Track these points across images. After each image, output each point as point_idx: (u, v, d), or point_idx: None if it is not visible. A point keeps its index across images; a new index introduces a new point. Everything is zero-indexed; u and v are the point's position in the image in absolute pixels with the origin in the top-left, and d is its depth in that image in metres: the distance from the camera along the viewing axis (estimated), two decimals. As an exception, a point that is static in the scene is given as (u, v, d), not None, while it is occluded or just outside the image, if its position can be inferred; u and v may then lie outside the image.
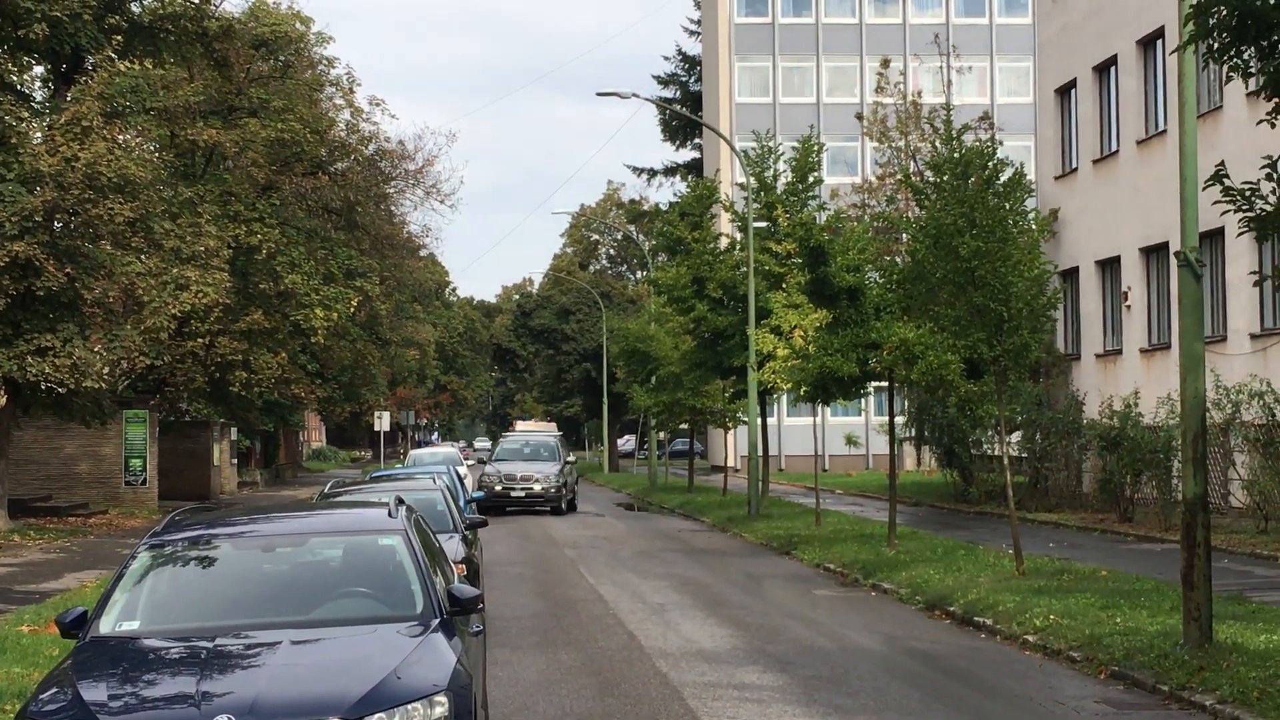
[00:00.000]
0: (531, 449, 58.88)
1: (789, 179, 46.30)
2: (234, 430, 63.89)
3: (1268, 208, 13.92)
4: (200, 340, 44.85)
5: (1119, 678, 16.75)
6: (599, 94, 55.79)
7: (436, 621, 10.47)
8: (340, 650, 9.93)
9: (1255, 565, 26.84)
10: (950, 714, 14.93)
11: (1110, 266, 43.01)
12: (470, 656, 10.69)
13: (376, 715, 9.05)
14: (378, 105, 56.42)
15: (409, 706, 9.19)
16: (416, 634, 10.21)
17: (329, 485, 25.05)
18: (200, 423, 57.76)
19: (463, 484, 30.53)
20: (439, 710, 9.28)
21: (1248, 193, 13.93)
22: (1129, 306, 41.35)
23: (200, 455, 57.30)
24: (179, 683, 9.45)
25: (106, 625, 10.56)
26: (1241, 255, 33.85)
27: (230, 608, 10.77)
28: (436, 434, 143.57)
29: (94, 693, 9.29)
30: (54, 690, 9.50)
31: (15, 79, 37.96)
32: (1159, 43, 39.49)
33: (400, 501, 12.56)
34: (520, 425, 77.33)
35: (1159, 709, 15.19)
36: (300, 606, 10.81)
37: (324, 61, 57.24)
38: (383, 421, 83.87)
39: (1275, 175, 13.92)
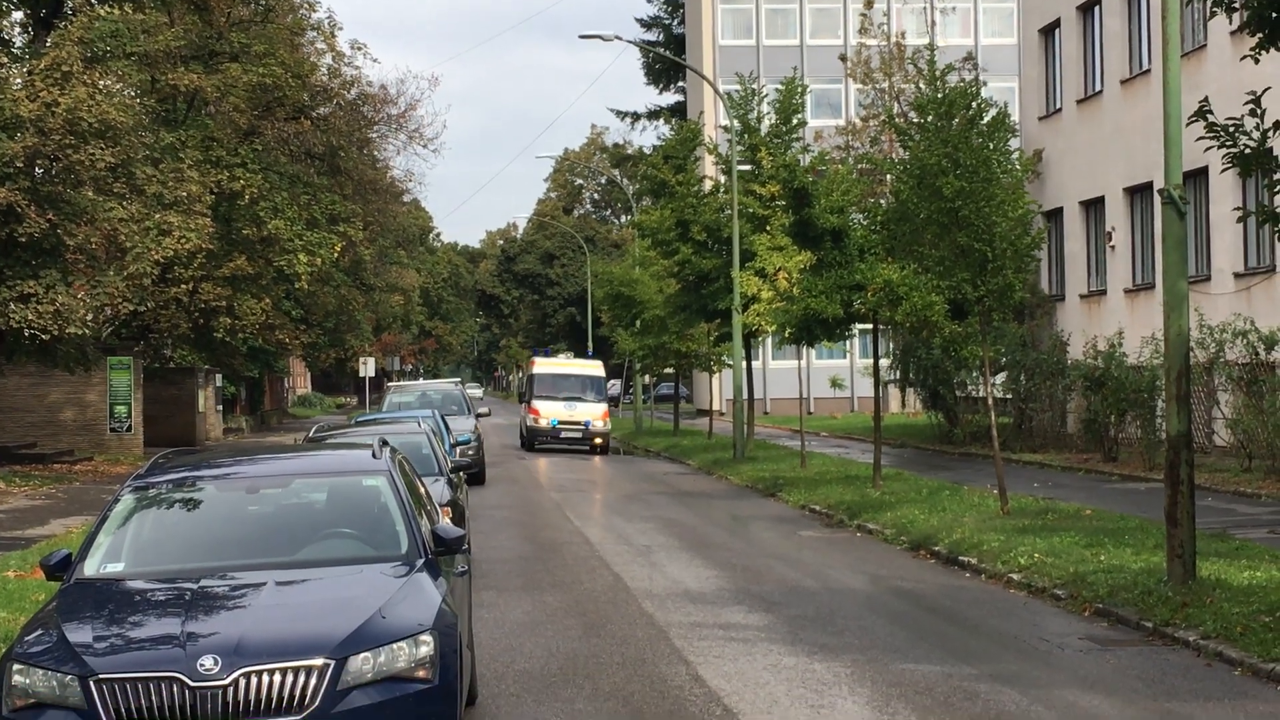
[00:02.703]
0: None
1: (773, 121, 46.16)
2: (219, 377, 63.68)
3: (1251, 144, 13.92)
4: (184, 286, 44.61)
5: (1103, 615, 16.81)
6: (581, 36, 55.35)
7: (421, 562, 10.47)
8: (325, 591, 9.94)
9: (1238, 503, 26.94)
10: (935, 652, 14.96)
11: (1094, 207, 43.01)
12: (455, 596, 10.68)
13: (361, 654, 9.06)
14: (360, 49, 56.02)
15: (394, 646, 9.19)
16: (401, 574, 10.22)
17: (313, 430, 25.02)
18: (185, 369, 57.60)
19: (448, 428, 30.47)
20: (424, 649, 9.28)
21: (1231, 129, 13.93)
22: (1113, 247, 41.37)
23: (185, 402, 57.07)
24: (164, 624, 9.44)
25: (91, 568, 10.56)
26: (1225, 194, 33.85)
27: (215, 549, 10.77)
28: (422, 379, 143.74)
29: (79, 634, 9.28)
30: (39, 632, 9.50)
31: (-7, 24, 37.73)
32: (1143, -19, 39.41)
33: (384, 443, 12.55)
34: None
35: (1143, 645, 15.24)
36: (285, 548, 10.80)
37: (305, 5, 56.97)
38: (368, 367, 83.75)
39: (1258, 111, 13.92)
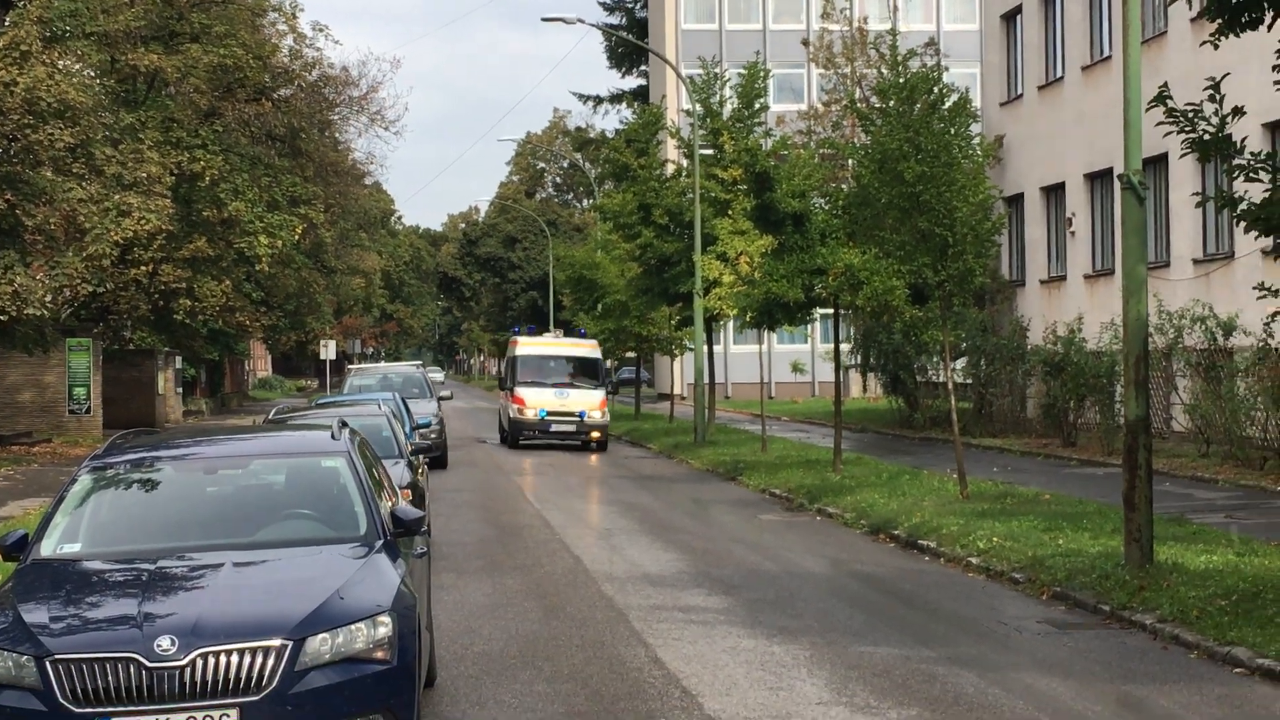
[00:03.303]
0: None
1: (735, 106, 46.21)
2: (179, 359, 63.45)
3: (1210, 129, 13.96)
4: (143, 268, 44.50)
5: (1061, 598, 16.89)
6: (544, 19, 55.07)
7: (380, 543, 10.44)
8: (283, 572, 9.90)
9: (1196, 488, 27.08)
10: (894, 635, 15.01)
11: (1055, 193, 43.17)
12: (414, 578, 10.67)
13: (319, 635, 9.02)
14: (321, 31, 56.13)
15: (352, 627, 9.16)
16: (360, 555, 10.19)
17: (273, 412, 24.94)
18: (144, 351, 57.34)
19: (409, 411, 30.42)
20: (382, 630, 9.26)
21: (1191, 115, 13.97)
22: (1073, 233, 41.53)
23: (145, 384, 56.85)
24: (121, 604, 9.40)
25: (48, 548, 10.49)
26: (1185, 181, 33.97)
27: (173, 530, 10.72)
28: (383, 362, 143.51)
29: (35, 614, 9.23)
30: (-1, 611, 9.45)
31: (-50, 4, 37.56)
32: (1104, -32, 39.54)
33: (344, 425, 12.53)
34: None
35: (1100, 628, 15.32)
36: (243, 529, 10.77)
37: (267, -15, 56.78)
38: (328, 350, 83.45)
39: (1217, 97, 13.97)
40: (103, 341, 50.72)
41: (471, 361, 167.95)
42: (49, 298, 36.22)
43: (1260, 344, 29.32)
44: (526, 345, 48.08)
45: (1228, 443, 30.92)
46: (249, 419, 54.06)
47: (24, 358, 43.99)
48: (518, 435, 44.82)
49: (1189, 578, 16.37)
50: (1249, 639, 13.56)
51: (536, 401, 44.07)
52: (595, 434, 44.14)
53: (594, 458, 42.32)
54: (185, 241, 45.51)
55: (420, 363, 77.36)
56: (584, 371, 46.16)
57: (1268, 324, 28.15)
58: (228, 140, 49.20)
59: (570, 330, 59.79)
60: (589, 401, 44.38)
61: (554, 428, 43.97)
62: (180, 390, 66.02)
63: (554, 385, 44.71)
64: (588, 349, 48.29)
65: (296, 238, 52.30)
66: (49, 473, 34.27)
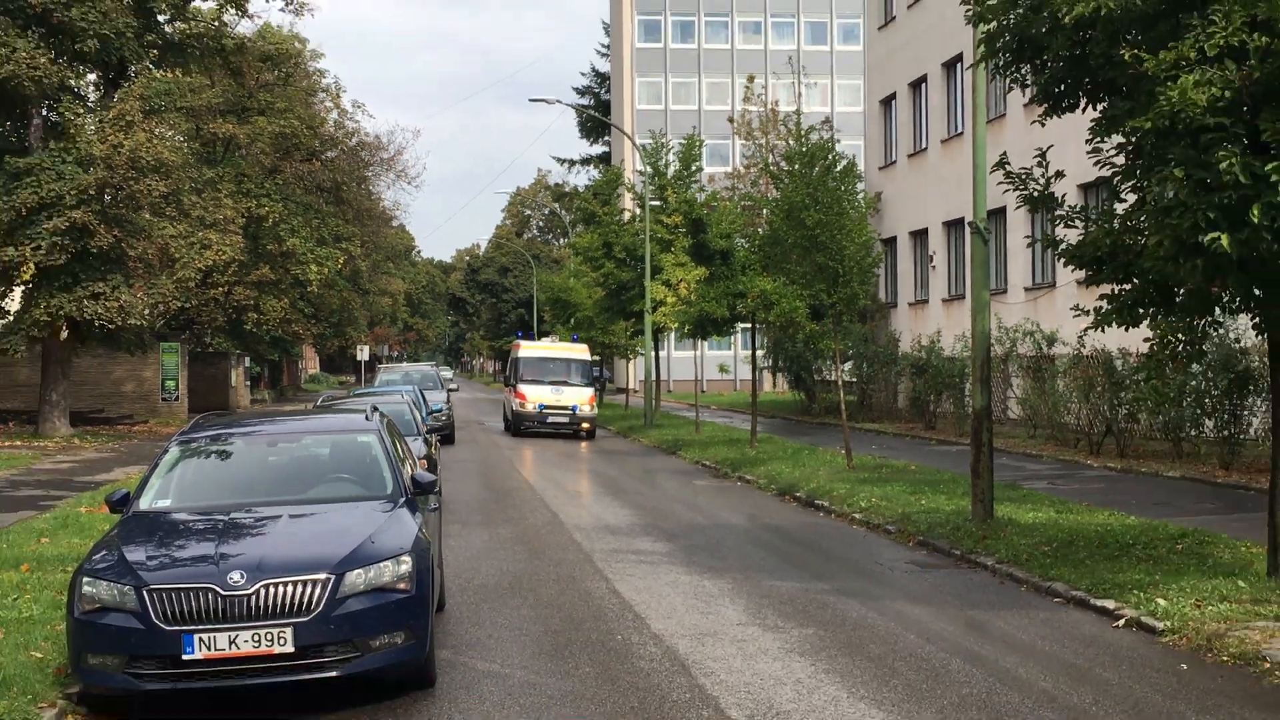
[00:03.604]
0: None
1: (677, 168, 46.20)
2: (247, 359, 63.00)
3: (1038, 188, 14.01)
4: (220, 289, 44.36)
5: (924, 545, 16.94)
6: (531, 100, 55.36)
7: (403, 500, 10.40)
8: (327, 522, 9.85)
9: (1026, 462, 27.20)
10: (796, 572, 15.02)
11: (920, 236, 43.31)
12: (429, 527, 10.65)
13: (356, 571, 9.00)
14: (359, 107, 56.71)
15: (381, 564, 9.14)
16: (387, 510, 10.15)
17: (321, 399, 24.78)
18: (220, 353, 56.97)
19: (425, 399, 30.28)
20: (404, 568, 9.24)
21: (1023, 176, 14.02)
22: (934, 267, 41.66)
23: (220, 379, 56.46)
24: (202, 547, 9.37)
25: (145, 503, 10.44)
26: (1018, 227, 34.15)
27: (241, 489, 10.65)
28: (405, 363, 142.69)
29: (135, 554, 9.19)
30: (104, 552, 9.38)
31: (73, 83, 37.29)
32: (958, 65, 39.66)
33: (375, 409, 12.49)
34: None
35: (953, 568, 15.36)
36: (296, 489, 10.71)
37: (316, 73, 56.55)
38: (363, 353, 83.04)
39: (1044, 163, 14.03)
40: (188, 345, 50.52)
41: (473, 363, 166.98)
42: (147, 311, 36.01)
43: (1074, 352, 29.51)
44: (528, 348, 45.30)
45: (1050, 427, 31.08)
46: (302, 405, 53.80)
47: (127, 357, 43.72)
48: (520, 425, 41.65)
49: (1020, 529, 16.46)
50: (1065, 576, 13.64)
51: (535, 396, 41.19)
52: (585, 425, 41.21)
53: (567, 438, 42.16)
54: (253, 269, 45.41)
55: (434, 363, 76.98)
56: (577, 371, 42.84)
57: (1080, 337, 28.42)
58: (286, 191, 48.90)
59: (563, 336, 57.02)
60: (580, 397, 41.44)
61: (550, 419, 41.04)
62: (248, 384, 65.55)
63: (551, 383, 41.75)
64: (580, 352, 44.96)
65: (339, 266, 52.20)
66: (146, 446, 34.01)
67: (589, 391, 42.18)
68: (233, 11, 40.54)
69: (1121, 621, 11.97)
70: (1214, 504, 19.72)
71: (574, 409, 41.10)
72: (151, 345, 43.49)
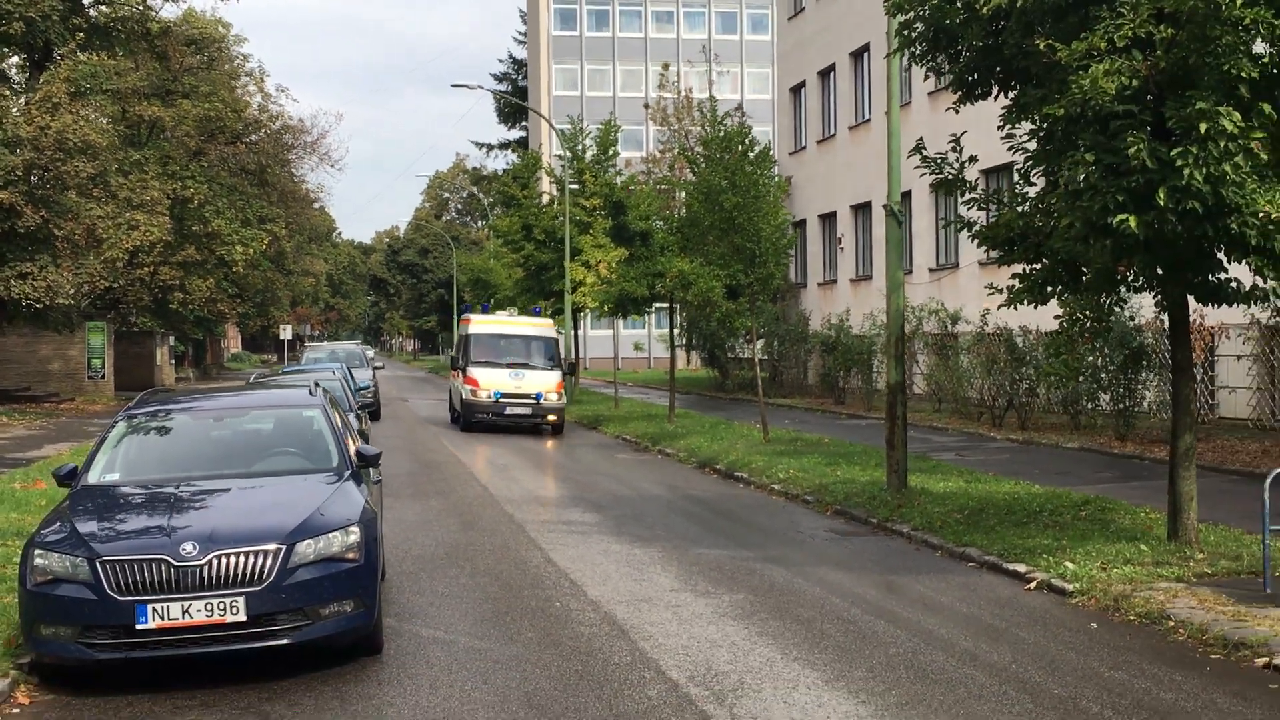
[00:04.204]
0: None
1: (594, 152, 46.11)
2: (172, 338, 62.22)
3: (953, 171, 14.18)
4: (146, 269, 43.73)
5: (841, 514, 17.10)
6: (453, 86, 55.18)
7: (348, 473, 10.34)
8: (276, 494, 9.77)
9: (933, 435, 27.53)
10: (721, 541, 15.11)
11: (829, 219, 43.64)
12: (373, 499, 10.59)
13: (305, 541, 8.95)
14: (283, 91, 57.58)
15: (330, 535, 9.09)
16: (333, 482, 10.09)
17: (253, 377, 24.51)
18: (146, 332, 56.13)
19: (352, 376, 29.99)
20: (352, 538, 9.20)
21: (939, 160, 14.17)
22: (842, 249, 42.00)
23: (146, 357, 55.68)
24: (153, 519, 9.25)
25: (93, 477, 10.28)
26: (924, 212, 34.54)
27: (190, 463, 10.53)
28: (326, 342, 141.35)
29: (87, 526, 9.06)
30: (55, 525, 9.24)
31: (-1, 65, 36.65)
32: (866, 54, 39.97)
33: (317, 384, 12.39)
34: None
35: (870, 535, 15.54)
36: (244, 462, 10.62)
37: (240, 57, 56.04)
38: (286, 332, 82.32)
39: (958, 148, 14.20)
40: (114, 324, 49.73)
41: (393, 342, 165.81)
42: (74, 291, 35.51)
43: (977, 330, 29.92)
44: (481, 324, 35.61)
45: (955, 401, 31.49)
46: (228, 383, 53.13)
47: (54, 336, 43.00)
48: (471, 418, 33.33)
49: (933, 498, 16.69)
50: (978, 542, 13.85)
51: (490, 383, 32.88)
52: (552, 417, 32.98)
53: None
54: (178, 249, 44.75)
55: (359, 341, 76.38)
56: (540, 351, 34.42)
57: (983, 316, 28.82)
58: (211, 173, 48.18)
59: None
60: (545, 383, 33.06)
61: (508, 410, 32.69)
62: (173, 361, 64.73)
63: (509, 365, 33.31)
64: (544, 328, 35.71)
65: (263, 247, 51.59)
66: (74, 424, 33.47)
67: (555, 376, 33.51)
68: (158, -4, 40.08)
69: (1033, 584, 12.19)
70: (1112, 473, 20.12)
71: (538, 397, 32.66)
72: (78, 324, 42.80)
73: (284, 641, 8.78)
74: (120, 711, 8.36)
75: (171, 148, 46.60)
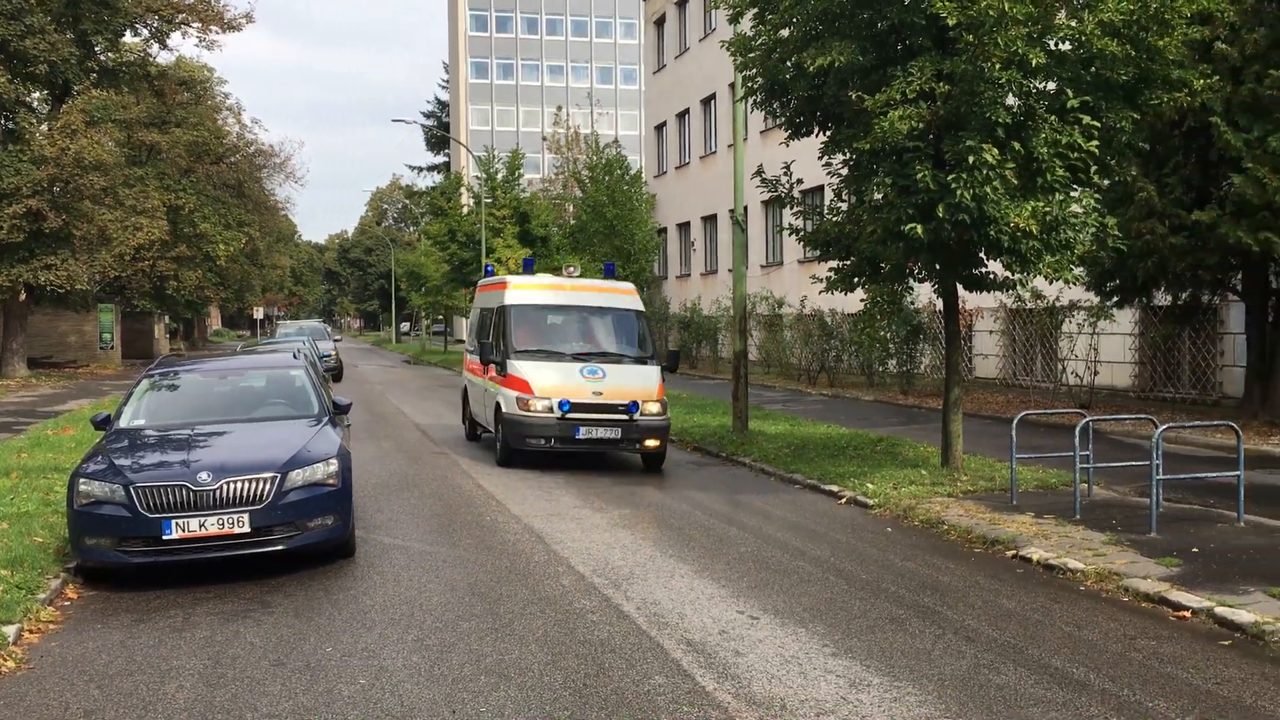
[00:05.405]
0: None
1: (504, 174, 45.83)
2: (167, 318, 60.47)
3: (785, 190, 14.43)
4: (147, 262, 42.39)
5: (699, 450, 17.31)
6: (392, 120, 54.38)
7: (326, 419, 10.25)
8: (271, 435, 9.65)
9: (764, 391, 27.90)
10: (611, 472, 15.15)
11: (684, 227, 43.81)
12: (345, 439, 10.53)
13: (296, 470, 8.87)
14: (256, 123, 57.09)
15: (314, 465, 9.02)
16: (315, 426, 9.99)
17: (239, 346, 24.00)
18: (146, 313, 54.31)
19: (316, 347, 29.44)
20: (332, 468, 9.13)
21: (774, 181, 14.41)
22: (695, 250, 42.25)
23: (146, 332, 54.15)
24: (174, 454, 9.09)
25: (124, 422, 10.08)
26: (757, 221, 34.89)
27: (200, 412, 10.35)
28: (290, 320, 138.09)
29: (122, 460, 8.90)
30: (96, 458, 9.04)
31: (27, 98, 35.25)
32: (713, 101, 40.16)
33: (299, 351, 12.26)
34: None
35: (721, 465, 15.75)
36: (244, 410, 10.45)
37: (222, 95, 54.58)
38: (259, 313, 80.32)
39: (789, 173, 14.45)
40: (121, 306, 48.26)
41: (343, 321, 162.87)
42: (88, 279, 34.44)
43: (797, 312, 30.45)
44: (524, 289, 16.46)
45: (780, 366, 31.98)
46: (221, 352, 51.83)
47: (73, 314, 41.90)
48: (520, 444, 14.82)
49: (767, 438, 17.00)
50: (802, 470, 14.16)
51: (552, 387, 14.79)
52: (651, 442, 14.87)
53: (425, 376, 41.05)
54: (173, 247, 43.53)
55: (321, 320, 74.87)
56: (624, 335, 16.11)
57: (802, 301, 29.32)
58: (199, 186, 46.73)
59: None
60: (640, 387, 15.03)
61: (584, 433, 14.67)
62: (168, 336, 62.96)
63: (578, 358, 15.48)
64: (625, 296, 16.54)
65: (241, 246, 50.48)
66: (90, 384, 32.48)
67: (653, 375, 15.57)
68: (156, 46, 38.90)
69: (844, 500, 12.54)
70: (898, 419, 20.67)
71: (631, 410, 14.84)
72: (92, 305, 41.64)
73: (280, 548, 8.72)
74: (150, 603, 8.26)
75: (167, 166, 45.14)
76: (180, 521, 8.43)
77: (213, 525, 8.48)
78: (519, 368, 15.07)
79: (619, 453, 15.85)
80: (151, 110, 44.23)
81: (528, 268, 17.78)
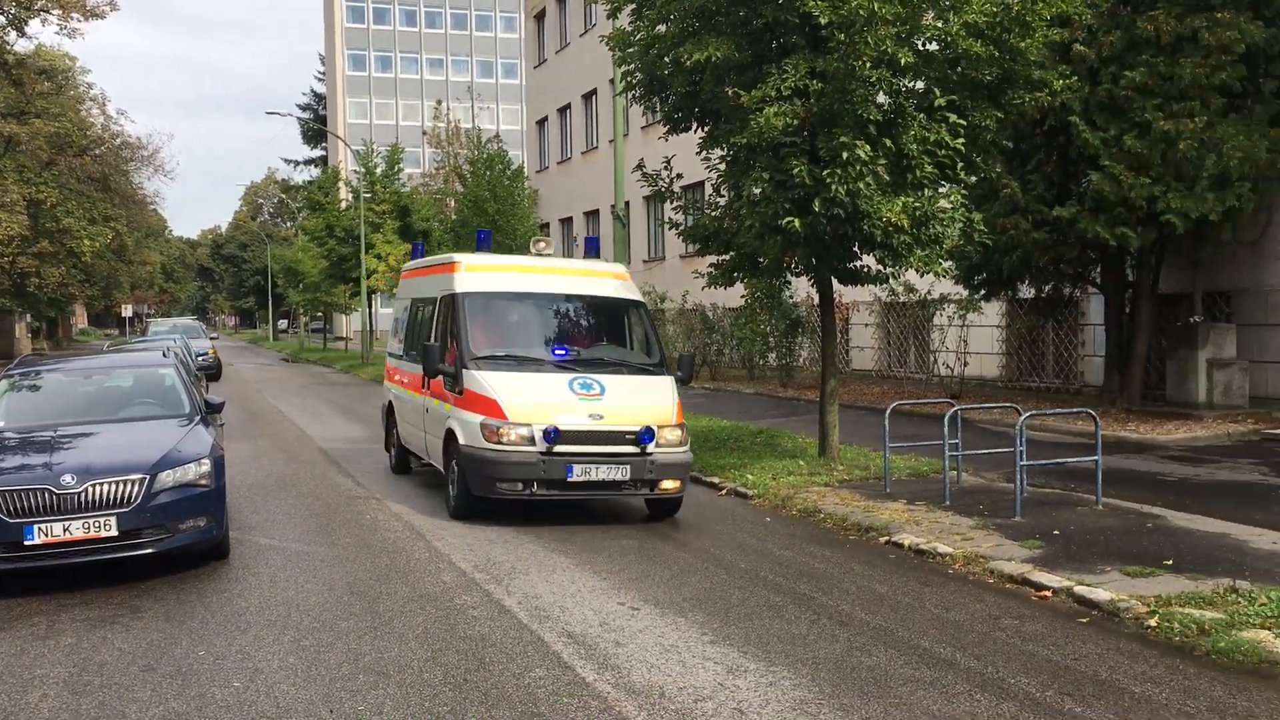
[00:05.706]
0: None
1: (383, 168, 45.20)
2: (29, 316, 58.13)
3: (665, 185, 14.55)
4: (7, 259, 40.72)
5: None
6: (267, 113, 53.07)
7: (198, 418, 9.98)
8: (140, 435, 9.36)
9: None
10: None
11: (568, 221, 43.82)
12: (220, 439, 10.28)
13: (166, 471, 8.63)
14: (122, 114, 53.86)
15: (186, 466, 8.79)
16: (186, 425, 9.73)
17: (107, 345, 23.25)
18: (7, 311, 52.22)
19: (190, 347, 28.62)
20: (204, 468, 8.91)
21: (654, 176, 14.52)
22: (577, 243, 42.30)
23: (6, 331, 52.19)
24: (36, 457, 8.75)
25: (-19, 425, 9.67)
26: (639, 216, 35.09)
27: (64, 413, 9.98)
28: (161, 319, 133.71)
29: None
30: (-53, 464, 8.66)
31: None
32: (594, 96, 40.23)
33: (169, 349, 11.91)
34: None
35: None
36: (110, 411, 10.10)
37: (85, 85, 52.43)
38: (127, 311, 77.68)
39: (669, 168, 14.58)
40: (-22, 305, 46.23)
41: (216, 319, 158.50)
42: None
43: (679, 307, 30.71)
44: (483, 272, 11.32)
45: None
46: (87, 351, 49.98)
47: (-73, 313, 39.74)
48: (488, 488, 10.11)
49: (693, 433, 17.01)
50: (715, 464, 14.26)
51: (533, 408, 9.97)
52: (669, 484, 10.36)
53: (301, 373, 40.34)
54: (35, 243, 41.87)
55: (195, 318, 72.81)
56: (622, 334, 11.49)
57: (683, 296, 29.57)
58: (61, 180, 45.11)
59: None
60: (652, 406, 10.38)
61: (580, 473, 9.94)
62: (30, 336, 60.51)
63: (564, 366, 10.56)
64: (616, 280, 11.74)
65: (107, 241, 48.71)
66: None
67: (667, 388, 10.85)
68: (13, 33, 37.22)
69: (724, 491, 12.72)
70: (778, 411, 20.98)
71: (643, 439, 10.12)
72: (-55, 305, 39.65)
73: (149, 550, 8.47)
74: (11, 610, 7.95)
75: (26, 159, 43.39)
76: (43, 526, 8.13)
77: (78, 529, 8.20)
78: (482, 381, 10.34)
79: (622, 499, 11.08)
80: (9, 100, 42.39)
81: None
